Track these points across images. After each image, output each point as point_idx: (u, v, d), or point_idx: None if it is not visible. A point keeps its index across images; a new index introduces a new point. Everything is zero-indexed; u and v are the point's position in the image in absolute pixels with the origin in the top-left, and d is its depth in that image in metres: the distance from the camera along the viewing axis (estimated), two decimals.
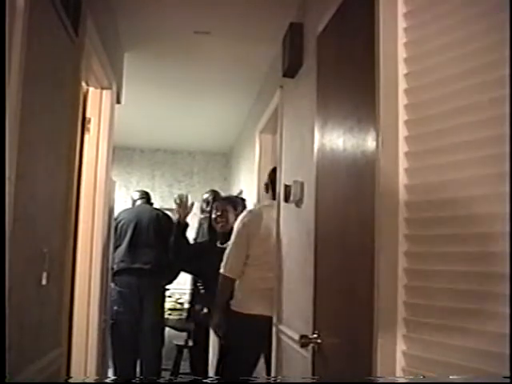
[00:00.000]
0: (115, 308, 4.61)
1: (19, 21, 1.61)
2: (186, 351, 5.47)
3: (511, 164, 1.24)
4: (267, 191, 3.79)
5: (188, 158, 8.00)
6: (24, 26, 1.65)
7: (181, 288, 5.66)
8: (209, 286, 3.76)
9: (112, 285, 4.47)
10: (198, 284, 4.39)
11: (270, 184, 3.76)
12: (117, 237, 4.76)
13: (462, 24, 1.45)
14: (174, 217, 4.17)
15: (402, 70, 1.62)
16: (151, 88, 5.17)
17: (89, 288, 3.21)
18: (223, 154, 7.98)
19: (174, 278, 4.98)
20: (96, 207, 3.27)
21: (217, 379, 3.61)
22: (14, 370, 1.77)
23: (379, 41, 1.68)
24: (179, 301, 5.95)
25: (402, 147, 1.59)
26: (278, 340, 3.44)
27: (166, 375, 5.37)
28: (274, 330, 3.52)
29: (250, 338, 3.42)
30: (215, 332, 3.61)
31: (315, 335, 2.22)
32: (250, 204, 4.53)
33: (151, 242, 4.89)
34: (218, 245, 3.75)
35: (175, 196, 4.26)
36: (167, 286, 5.11)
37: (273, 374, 3.44)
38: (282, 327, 3.34)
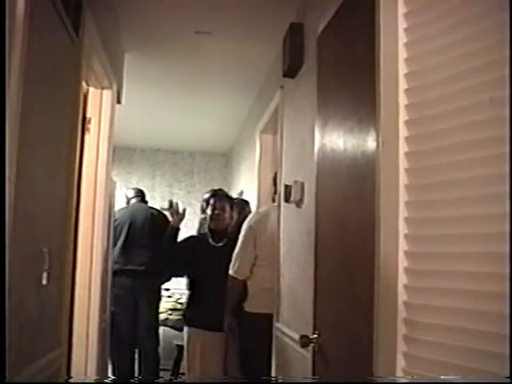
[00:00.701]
0: (111, 308, 4.60)
1: (20, 21, 1.61)
2: None
3: (511, 164, 1.24)
4: (275, 192, 3.79)
5: (188, 158, 8.00)
6: (24, 26, 1.65)
7: (181, 288, 5.65)
8: (203, 285, 3.73)
9: None
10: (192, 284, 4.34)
11: (274, 186, 3.78)
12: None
13: (463, 24, 1.45)
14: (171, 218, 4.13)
15: (403, 69, 1.62)
16: (152, 88, 5.17)
17: (89, 288, 3.21)
18: (223, 154, 7.98)
19: (168, 279, 4.95)
20: (96, 207, 3.27)
21: (214, 378, 3.61)
22: (14, 369, 1.77)
23: (379, 41, 1.68)
24: (179, 301, 5.94)
25: (403, 147, 1.59)
26: (278, 340, 3.44)
27: (166, 375, 5.37)
28: (273, 329, 3.52)
29: (266, 337, 3.41)
30: (227, 334, 3.57)
31: (315, 335, 2.22)
32: (253, 205, 4.53)
33: (146, 243, 4.85)
34: (212, 243, 3.73)
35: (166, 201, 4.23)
36: (168, 286, 5.09)
37: (273, 374, 3.44)
38: (281, 327, 3.34)
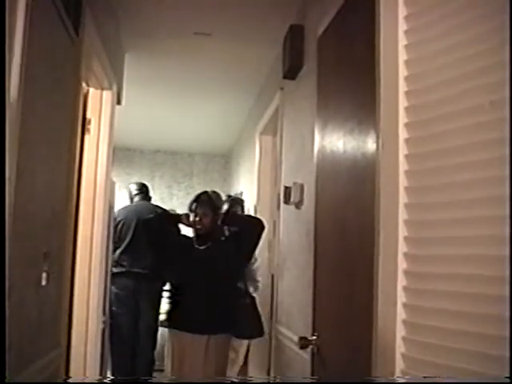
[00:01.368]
0: (113, 309, 4.60)
1: (20, 20, 1.61)
2: None
3: (511, 166, 1.24)
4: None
5: (188, 159, 8.01)
6: (25, 26, 1.65)
7: None
8: (185, 288, 3.72)
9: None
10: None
11: None
12: (116, 238, 4.67)
13: (463, 26, 1.45)
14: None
15: (403, 72, 1.62)
16: (151, 89, 5.18)
17: (88, 288, 3.21)
18: (223, 155, 7.98)
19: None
20: (96, 208, 3.27)
21: (215, 379, 3.61)
22: (14, 370, 1.77)
23: (380, 43, 1.68)
24: None
25: (403, 149, 1.59)
26: (277, 341, 3.44)
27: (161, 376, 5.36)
28: (272, 331, 3.52)
29: None
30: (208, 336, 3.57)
31: (314, 337, 2.22)
32: (251, 205, 4.53)
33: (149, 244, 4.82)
34: (196, 246, 3.75)
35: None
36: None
37: (271, 374, 3.44)
38: (280, 328, 3.34)
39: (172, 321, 3.69)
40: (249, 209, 4.86)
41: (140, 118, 6.12)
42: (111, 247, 3.95)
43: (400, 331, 1.54)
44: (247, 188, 5.45)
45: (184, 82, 4.97)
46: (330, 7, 2.29)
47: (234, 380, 3.54)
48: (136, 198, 5.18)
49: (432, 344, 1.45)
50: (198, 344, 3.52)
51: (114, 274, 4.59)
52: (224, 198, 4.39)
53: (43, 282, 2.12)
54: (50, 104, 2.15)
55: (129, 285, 4.73)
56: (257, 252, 3.94)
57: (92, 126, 3.29)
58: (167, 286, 4.78)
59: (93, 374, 3.31)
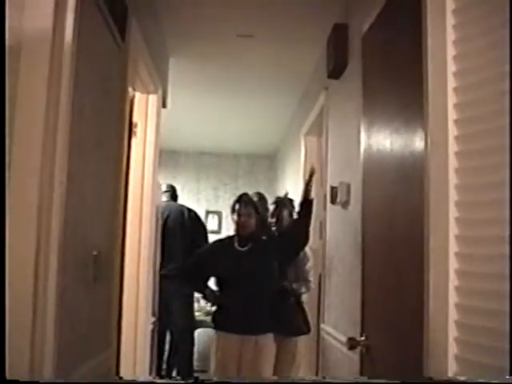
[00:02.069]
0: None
1: (69, 29, 1.65)
2: None
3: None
4: None
5: (233, 161, 8.05)
6: (74, 34, 1.69)
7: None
8: (229, 289, 3.73)
9: None
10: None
11: None
12: None
13: None
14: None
15: (451, 67, 1.58)
16: (196, 92, 5.23)
17: (137, 290, 3.26)
18: (268, 156, 7.99)
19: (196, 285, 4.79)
20: (143, 210, 3.32)
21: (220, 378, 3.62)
22: (67, 368, 1.81)
23: (427, 38, 1.65)
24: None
25: (452, 147, 1.56)
26: (324, 341, 3.42)
27: (202, 376, 5.40)
28: (320, 331, 3.50)
29: None
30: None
31: (363, 337, 2.20)
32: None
33: (178, 245, 4.75)
34: (237, 247, 3.76)
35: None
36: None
37: (320, 374, 3.43)
38: (328, 329, 3.32)
39: (217, 322, 3.71)
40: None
41: (185, 121, 6.18)
42: (159, 248, 3.98)
43: (452, 332, 1.51)
44: (293, 189, 5.44)
45: (228, 83, 5.00)
46: (375, 4, 2.26)
47: (239, 380, 3.54)
48: (163, 198, 5.13)
49: (486, 345, 1.41)
50: (247, 345, 3.53)
51: None
52: (271, 199, 4.40)
53: (94, 284, 2.16)
54: (97, 109, 2.19)
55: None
56: (309, 253, 3.94)
57: (138, 130, 3.35)
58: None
59: (143, 374, 3.36)
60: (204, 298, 4.04)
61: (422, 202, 1.64)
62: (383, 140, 2.12)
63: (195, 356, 6.26)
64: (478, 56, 1.51)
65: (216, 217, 7.60)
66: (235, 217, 3.75)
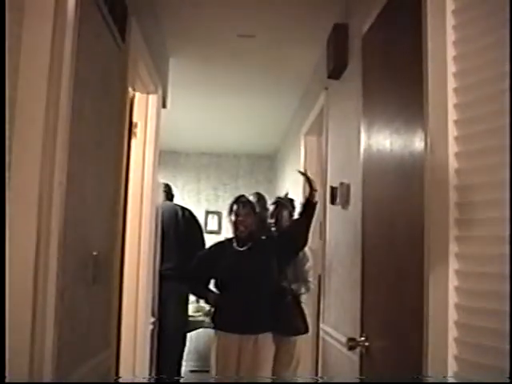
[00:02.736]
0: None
1: (69, 29, 1.65)
2: None
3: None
4: None
5: (233, 161, 8.04)
6: (74, 34, 1.69)
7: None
8: (228, 289, 3.72)
9: None
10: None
11: None
12: None
13: None
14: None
15: (451, 68, 1.58)
16: (196, 92, 5.22)
17: (136, 290, 3.26)
18: (268, 156, 7.99)
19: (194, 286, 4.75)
20: (143, 210, 3.32)
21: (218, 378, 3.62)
22: (67, 368, 1.81)
23: (427, 39, 1.65)
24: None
25: (452, 147, 1.56)
26: (324, 341, 3.42)
27: (198, 376, 5.39)
28: (319, 331, 3.50)
29: None
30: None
31: (363, 338, 2.19)
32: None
33: (173, 245, 4.69)
34: (236, 247, 3.76)
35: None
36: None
37: (319, 375, 3.44)
38: (328, 329, 3.32)
39: (217, 322, 3.72)
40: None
41: (185, 121, 6.18)
42: (159, 248, 3.98)
43: (452, 332, 1.51)
44: (293, 189, 5.44)
45: (228, 84, 4.99)
46: (375, 5, 2.26)
47: (237, 380, 3.55)
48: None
49: (486, 346, 1.41)
50: (246, 344, 3.53)
51: None
52: (271, 199, 4.40)
53: (93, 284, 2.16)
54: (98, 109, 2.19)
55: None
56: (309, 254, 3.94)
57: (138, 130, 3.34)
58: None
59: (142, 374, 3.36)
60: (206, 302, 4.03)
61: (421, 202, 1.64)
62: (383, 140, 2.12)
63: (195, 356, 6.28)
64: (478, 56, 1.51)
65: (216, 217, 7.60)
66: (233, 217, 3.75)
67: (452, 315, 1.51)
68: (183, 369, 5.11)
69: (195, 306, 5.81)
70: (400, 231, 1.92)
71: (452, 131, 1.56)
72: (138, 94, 3.38)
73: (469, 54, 1.55)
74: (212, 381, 3.71)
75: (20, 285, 1.47)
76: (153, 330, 3.87)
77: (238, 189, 7.78)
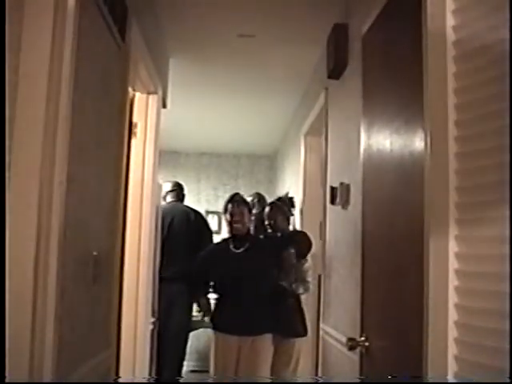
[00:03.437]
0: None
1: (69, 29, 1.65)
2: None
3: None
4: None
5: (233, 161, 8.04)
6: (74, 35, 1.69)
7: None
8: (226, 291, 3.72)
9: None
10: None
11: None
12: None
13: None
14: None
15: (451, 68, 1.58)
16: (196, 92, 5.22)
17: (136, 290, 3.26)
18: (268, 156, 7.99)
19: (199, 289, 4.52)
20: (143, 210, 3.32)
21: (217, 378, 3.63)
22: (67, 368, 1.81)
23: (427, 39, 1.65)
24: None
25: (452, 148, 1.56)
26: (324, 341, 3.42)
27: (198, 376, 5.39)
28: (319, 331, 3.50)
29: None
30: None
31: (363, 338, 2.20)
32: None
33: (181, 248, 4.68)
34: (232, 249, 3.75)
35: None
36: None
37: (319, 375, 3.44)
38: (328, 329, 3.32)
39: (216, 323, 3.72)
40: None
41: (185, 121, 6.18)
42: (159, 248, 3.98)
43: (452, 332, 1.51)
44: (293, 189, 5.44)
45: (228, 84, 4.99)
46: (375, 5, 2.26)
47: (235, 380, 3.55)
48: (168, 198, 5.09)
49: (485, 346, 1.41)
50: (244, 345, 3.54)
51: None
52: (271, 199, 4.40)
53: (93, 284, 2.16)
54: (98, 109, 2.19)
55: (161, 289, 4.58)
56: (308, 254, 3.94)
57: (138, 130, 3.34)
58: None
59: (142, 374, 3.36)
60: (198, 306, 4.01)
61: (421, 202, 1.64)
62: (383, 140, 2.12)
63: (195, 356, 6.28)
64: (478, 56, 1.51)
65: (216, 217, 7.59)
66: (228, 216, 3.74)
67: (452, 315, 1.51)
68: (183, 369, 5.10)
69: (195, 306, 5.80)
70: (400, 231, 1.92)
71: (452, 131, 1.56)
72: (138, 94, 3.38)
73: (469, 54, 1.55)
74: (211, 381, 3.72)
75: (20, 285, 1.47)
76: (153, 330, 3.87)
77: (238, 189, 7.76)
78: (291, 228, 4.36)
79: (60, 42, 1.60)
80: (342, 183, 3.07)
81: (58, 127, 1.59)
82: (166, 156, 6.93)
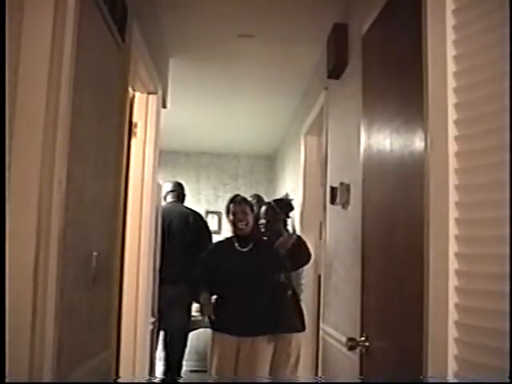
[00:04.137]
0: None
1: (69, 29, 1.65)
2: None
3: None
4: None
5: (233, 161, 8.04)
6: (74, 34, 1.69)
7: None
8: (230, 291, 3.71)
9: None
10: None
11: None
12: None
13: None
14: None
15: (451, 68, 1.58)
16: (196, 92, 5.22)
17: (136, 290, 3.26)
18: (268, 156, 7.99)
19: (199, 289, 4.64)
20: (143, 210, 3.32)
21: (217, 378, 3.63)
22: (67, 368, 1.81)
23: (427, 38, 1.65)
24: None
25: (452, 147, 1.55)
26: (324, 341, 3.42)
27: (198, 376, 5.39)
28: (319, 331, 3.50)
29: None
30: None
31: (363, 338, 2.19)
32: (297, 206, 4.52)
33: (181, 250, 4.69)
34: (238, 248, 3.75)
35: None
36: None
37: (319, 375, 3.44)
38: (327, 329, 3.32)
39: (215, 323, 3.71)
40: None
41: (185, 121, 6.18)
42: (159, 248, 3.97)
43: (452, 332, 1.51)
44: (293, 189, 5.44)
45: (228, 84, 4.99)
46: (375, 4, 2.26)
47: (235, 380, 3.56)
48: (168, 198, 5.09)
49: (486, 346, 1.41)
50: (243, 346, 3.54)
51: None
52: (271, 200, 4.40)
53: (93, 285, 2.16)
54: (98, 109, 2.19)
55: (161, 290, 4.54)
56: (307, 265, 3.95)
57: (138, 130, 3.35)
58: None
59: (142, 374, 3.36)
60: (200, 308, 3.99)
61: (421, 202, 1.64)
62: (383, 140, 2.12)
63: (195, 356, 6.27)
64: (478, 56, 1.51)
65: (216, 217, 7.59)
66: (231, 216, 3.74)
67: (452, 315, 1.51)
68: (183, 369, 5.11)
69: (196, 306, 5.80)
70: (400, 231, 1.92)
71: (452, 131, 1.56)
72: (137, 94, 3.38)
73: (469, 53, 1.55)
74: (211, 381, 3.72)
75: (20, 285, 1.47)
76: (153, 330, 3.87)
77: (238, 189, 7.77)
78: (290, 229, 4.36)
79: (60, 42, 1.60)
80: (342, 183, 3.07)
81: (58, 127, 1.59)
82: (165, 156, 6.92)
